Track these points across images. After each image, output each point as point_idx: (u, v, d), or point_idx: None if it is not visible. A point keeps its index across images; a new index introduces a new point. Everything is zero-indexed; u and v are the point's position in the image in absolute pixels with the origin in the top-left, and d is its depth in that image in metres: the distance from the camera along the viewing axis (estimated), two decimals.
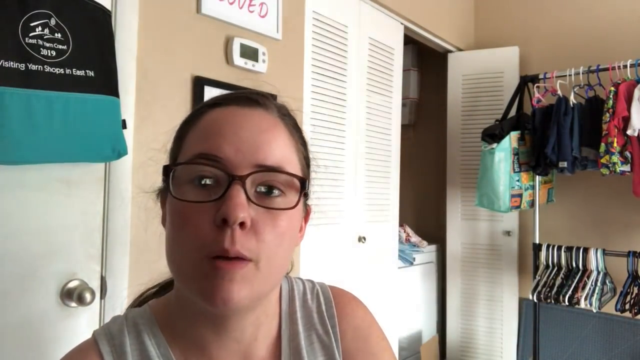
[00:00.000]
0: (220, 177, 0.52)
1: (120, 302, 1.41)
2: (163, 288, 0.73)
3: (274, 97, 0.62)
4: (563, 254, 2.60)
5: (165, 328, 0.59)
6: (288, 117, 0.60)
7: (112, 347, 0.57)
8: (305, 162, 0.61)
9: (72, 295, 1.30)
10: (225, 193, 0.50)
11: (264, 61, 1.83)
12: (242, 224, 0.50)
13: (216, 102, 0.57)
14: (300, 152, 0.59)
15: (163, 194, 0.60)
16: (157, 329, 0.59)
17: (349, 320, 0.67)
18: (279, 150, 0.55)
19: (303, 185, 0.55)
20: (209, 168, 0.52)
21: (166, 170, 0.54)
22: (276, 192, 0.53)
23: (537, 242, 2.76)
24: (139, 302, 0.73)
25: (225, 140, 0.53)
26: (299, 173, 0.57)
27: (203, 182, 0.52)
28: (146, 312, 0.61)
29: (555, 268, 2.62)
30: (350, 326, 0.67)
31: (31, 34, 1.12)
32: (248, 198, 0.51)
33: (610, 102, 2.35)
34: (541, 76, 2.70)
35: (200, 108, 0.59)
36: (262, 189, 0.53)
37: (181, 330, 0.58)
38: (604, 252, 2.51)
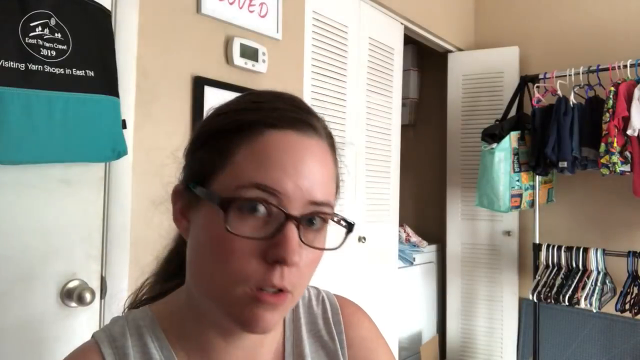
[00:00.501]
0: (273, 212, 0.50)
1: (119, 302, 1.41)
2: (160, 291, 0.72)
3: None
4: (563, 254, 2.60)
5: (168, 330, 0.58)
6: (330, 138, 0.58)
7: (114, 349, 0.57)
8: (339, 179, 0.60)
9: (72, 295, 1.30)
10: (281, 233, 0.49)
11: (264, 61, 1.83)
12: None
13: (272, 123, 0.52)
14: (337, 176, 0.59)
15: (189, 196, 0.56)
16: (159, 331, 0.58)
17: (355, 329, 0.67)
18: (328, 184, 0.54)
19: (350, 228, 0.55)
20: (267, 204, 0.50)
21: (225, 201, 0.50)
22: (317, 224, 0.53)
23: (537, 242, 2.76)
24: (137, 304, 0.72)
25: (285, 174, 0.50)
26: (334, 200, 0.56)
27: (255, 213, 0.50)
28: (148, 314, 0.60)
29: (555, 268, 2.62)
30: (358, 335, 0.67)
31: (31, 34, 1.12)
32: (299, 238, 0.51)
33: (610, 102, 2.35)
34: (541, 76, 2.70)
35: (252, 123, 0.52)
36: (306, 222, 0.53)
37: (187, 334, 0.58)
38: (604, 252, 2.51)
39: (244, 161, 0.51)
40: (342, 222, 0.55)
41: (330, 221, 0.55)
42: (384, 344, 0.69)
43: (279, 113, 0.54)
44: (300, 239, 0.50)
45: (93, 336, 0.60)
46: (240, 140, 0.52)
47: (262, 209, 0.50)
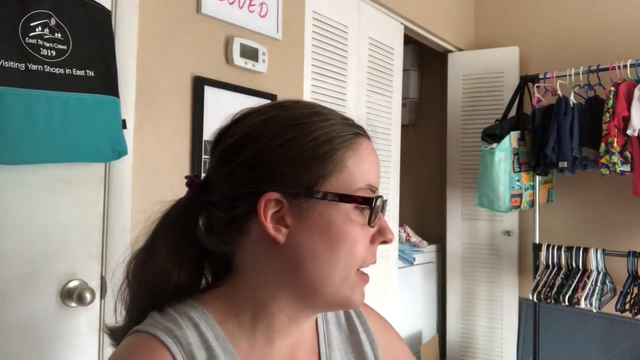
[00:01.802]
0: (381, 205, 0.62)
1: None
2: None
3: None
4: (563, 254, 2.60)
5: (221, 322, 0.61)
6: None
7: (174, 338, 0.56)
8: None
9: (72, 295, 1.30)
10: (381, 221, 0.62)
11: (264, 61, 1.83)
12: None
13: (361, 134, 0.64)
14: None
15: (288, 203, 0.59)
16: (212, 321, 0.60)
17: (373, 318, 0.77)
18: None
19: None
20: (377, 200, 0.61)
21: (374, 200, 0.60)
22: None
23: (537, 242, 2.76)
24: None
25: (376, 173, 0.64)
26: None
27: (372, 208, 0.61)
28: (196, 307, 0.62)
29: (555, 268, 2.62)
30: (377, 324, 0.77)
31: (31, 34, 1.12)
32: None
33: (610, 102, 2.35)
34: (541, 76, 2.70)
35: (354, 135, 0.63)
36: None
37: (243, 325, 0.62)
38: (604, 252, 2.51)
39: (356, 167, 0.61)
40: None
41: None
42: (391, 326, 0.81)
43: (358, 126, 0.65)
44: None
45: (142, 331, 0.58)
46: (347, 149, 0.61)
47: (376, 205, 0.61)
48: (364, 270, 0.63)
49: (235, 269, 0.64)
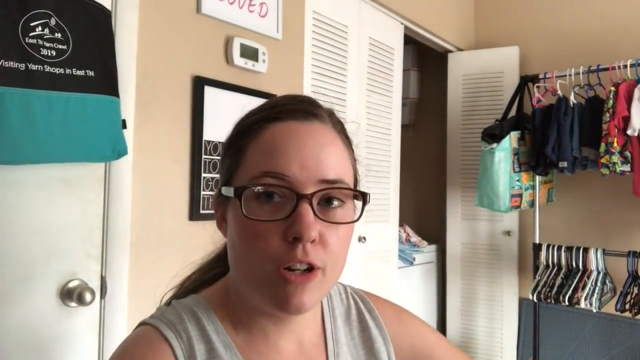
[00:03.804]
0: (287, 194, 0.55)
1: (120, 302, 1.41)
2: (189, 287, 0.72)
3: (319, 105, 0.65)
4: (563, 254, 2.60)
5: (222, 315, 0.61)
6: (339, 124, 0.63)
7: (175, 332, 0.57)
8: (355, 163, 0.64)
9: (72, 295, 1.30)
10: (295, 212, 0.54)
11: (264, 61, 1.83)
12: (312, 240, 0.54)
13: (274, 116, 0.59)
14: (351, 158, 0.63)
15: (223, 200, 0.62)
16: (213, 315, 0.61)
17: (384, 311, 0.74)
18: (339, 163, 0.58)
19: (364, 198, 0.59)
20: (277, 188, 0.55)
21: (237, 190, 0.56)
22: (336, 202, 0.57)
23: (537, 242, 2.76)
24: (179, 294, 0.70)
25: (290, 158, 0.55)
26: (352, 179, 0.61)
27: (270, 199, 0.55)
28: (199, 301, 0.62)
29: (555, 268, 2.62)
30: (388, 315, 0.74)
31: (31, 34, 1.12)
32: (315, 214, 0.55)
33: (610, 102, 2.35)
34: (541, 76, 2.70)
35: (256, 122, 0.59)
36: (324, 201, 0.57)
37: (239, 320, 0.61)
38: (604, 252, 2.51)
39: (253, 155, 0.57)
40: (356, 195, 0.59)
41: (351, 198, 0.59)
42: (406, 311, 0.77)
43: (279, 108, 0.60)
44: (317, 215, 0.55)
45: (147, 323, 0.60)
46: (249, 138, 0.59)
47: (274, 193, 0.55)
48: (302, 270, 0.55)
49: None
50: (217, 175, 1.68)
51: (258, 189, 0.55)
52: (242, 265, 0.58)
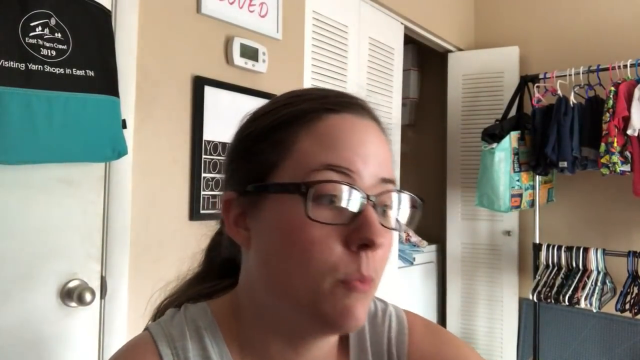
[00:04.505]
0: (348, 193, 0.48)
1: (120, 302, 1.41)
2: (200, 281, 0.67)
3: None
4: (563, 254, 2.60)
5: (229, 336, 0.55)
6: (380, 122, 0.57)
7: (173, 349, 0.53)
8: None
9: (72, 295, 1.30)
10: (361, 215, 0.48)
11: (264, 61, 1.83)
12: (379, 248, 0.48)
13: (329, 108, 0.52)
14: (391, 157, 0.57)
15: (243, 202, 0.53)
16: (219, 336, 0.55)
17: (417, 347, 0.61)
18: (391, 162, 0.54)
19: (421, 203, 0.54)
20: (343, 186, 0.48)
21: (304, 185, 0.47)
22: (389, 203, 0.52)
23: (537, 242, 2.76)
24: (180, 299, 0.64)
25: (354, 152, 0.49)
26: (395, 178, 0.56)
27: (331, 199, 0.48)
28: (207, 314, 0.56)
29: (555, 268, 2.62)
30: (420, 342, 0.61)
31: (31, 34, 1.12)
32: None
33: (611, 102, 2.35)
34: (541, 76, 2.70)
35: (307, 112, 0.52)
36: (381, 207, 0.51)
37: (250, 342, 0.55)
38: (604, 252, 2.51)
39: (309, 147, 0.49)
40: (412, 199, 0.53)
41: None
42: (449, 343, 0.62)
43: (332, 99, 0.54)
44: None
45: (149, 331, 0.55)
46: (300, 127, 0.51)
47: (337, 191, 0.48)
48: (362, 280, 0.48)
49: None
50: (218, 175, 1.67)
51: (323, 185, 0.47)
52: (288, 278, 0.49)
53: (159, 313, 0.65)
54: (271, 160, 0.51)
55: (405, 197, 0.53)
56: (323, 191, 0.48)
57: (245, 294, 0.56)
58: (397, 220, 0.53)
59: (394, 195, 0.52)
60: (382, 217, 0.50)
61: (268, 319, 0.54)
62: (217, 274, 0.65)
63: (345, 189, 0.48)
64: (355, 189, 0.48)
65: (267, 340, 0.54)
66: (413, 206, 0.54)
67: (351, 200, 0.48)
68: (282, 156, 0.50)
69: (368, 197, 0.48)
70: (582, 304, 2.44)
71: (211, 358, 0.53)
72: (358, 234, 0.47)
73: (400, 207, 0.53)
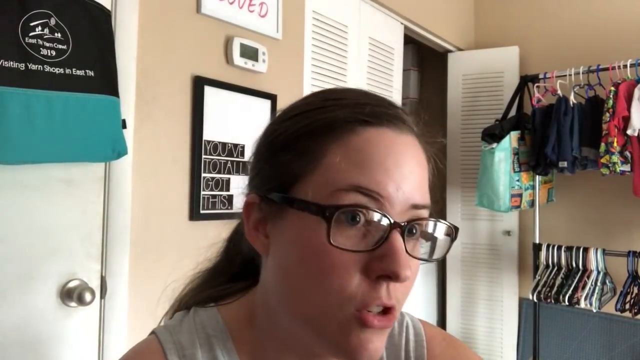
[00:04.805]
0: (375, 218, 0.45)
1: (120, 302, 1.41)
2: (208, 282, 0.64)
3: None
4: (563, 253, 2.60)
5: (240, 346, 0.52)
6: (422, 136, 0.53)
7: (182, 358, 0.51)
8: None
9: (72, 295, 1.30)
10: (386, 243, 0.44)
11: (264, 61, 1.83)
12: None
13: (365, 120, 0.47)
14: (429, 176, 0.53)
15: (266, 208, 0.50)
16: (231, 345, 0.52)
17: (435, 355, 0.59)
18: (426, 186, 0.50)
19: (456, 234, 0.50)
20: (369, 211, 0.44)
21: (328, 209, 0.44)
22: (418, 230, 0.48)
23: (537, 242, 2.76)
24: (191, 301, 0.61)
25: (387, 175, 0.45)
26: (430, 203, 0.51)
27: (356, 221, 0.44)
28: (219, 322, 0.54)
29: (555, 268, 2.62)
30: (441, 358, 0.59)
31: (31, 34, 1.12)
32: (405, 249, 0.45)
33: (610, 102, 2.35)
34: (541, 76, 2.70)
35: (343, 122, 0.47)
36: (409, 234, 0.47)
37: (264, 354, 0.53)
38: (604, 252, 2.51)
39: (339, 163, 0.45)
40: (447, 227, 0.49)
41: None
42: (466, 351, 0.62)
43: (370, 109, 0.48)
44: (405, 249, 0.45)
45: (157, 337, 0.53)
46: (332, 139, 0.46)
47: (363, 217, 0.44)
48: (375, 311, 0.45)
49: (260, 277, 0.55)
50: (218, 175, 1.68)
51: (349, 210, 0.44)
52: (303, 300, 0.46)
53: (180, 307, 0.61)
54: (297, 170, 0.47)
55: (439, 226, 0.49)
56: (344, 215, 0.44)
57: (261, 302, 0.53)
58: (432, 250, 0.49)
59: (427, 224, 0.48)
60: (411, 245, 0.46)
61: (282, 333, 0.51)
62: (234, 270, 0.62)
63: (371, 214, 0.44)
64: (384, 215, 0.44)
65: (280, 354, 0.52)
66: (447, 234, 0.50)
67: (377, 226, 0.45)
68: (309, 168, 0.46)
69: (396, 224, 0.44)
70: (582, 304, 2.44)
71: None
72: (381, 264, 0.44)
73: (433, 235, 0.49)
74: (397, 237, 0.44)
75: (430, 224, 0.49)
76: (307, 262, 0.45)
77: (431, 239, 0.49)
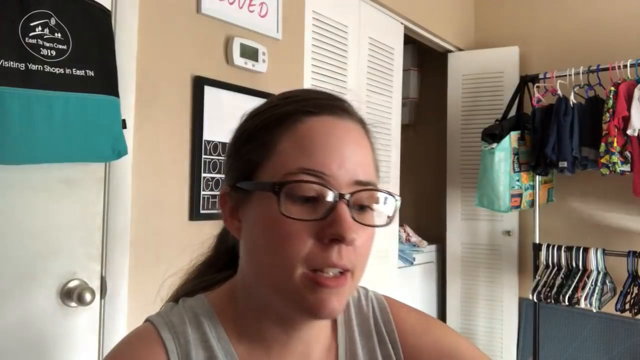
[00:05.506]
0: (324, 193, 0.52)
1: (120, 302, 1.41)
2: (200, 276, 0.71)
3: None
4: (563, 253, 2.60)
5: (225, 322, 0.59)
6: (366, 125, 0.61)
7: (174, 334, 0.56)
8: (377, 167, 0.62)
9: (72, 295, 1.30)
10: (333, 212, 0.51)
11: (264, 61, 1.83)
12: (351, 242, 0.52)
13: (309, 110, 0.55)
14: (375, 161, 0.61)
15: (237, 196, 0.58)
16: (217, 321, 0.59)
17: (404, 322, 0.67)
18: (369, 166, 0.57)
19: (398, 202, 0.57)
20: (316, 186, 0.52)
21: (277, 185, 0.52)
22: (366, 202, 0.55)
23: (537, 242, 2.76)
24: (181, 293, 0.68)
25: (329, 155, 0.53)
26: (376, 180, 0.58)
27: (305, 196, 0.52)
28: (204, 303, 0.60)
29: (555, 268, 2.62)
30: (408, 326, 0.67)
31: (31, 34, 1.12)
32: (351, 217, 0.52)
33: (610, 102, 2.35)
34: (541, 76, 2.70)
35: (290, 114, 0.56)
36: (357, 205, 0.54)
37: (245, 326, 0.59)
38: (604, 252, 2.51)
39: (288, 149, 0.54)
40: (388, 198, 0.57)
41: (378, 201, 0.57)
42: (435, 321, 0.70)
43: (313, 102, 0.57)
44: (352, 218, 0.52)
45: (149, 320, 0.59)
46: (282, 130, 0.55)
47: (311, 191, 0.52)
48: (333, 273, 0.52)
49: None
50: (218, 175, 1.68)
51: (298, 185, 0.52)
52: (267, 268, 0.54)
53: (172, 297, 0.68)
54: (257, 159, 0.56)
55: (384, 196, 0.56)
56: (296, 190, 0.52)
57: (240, 280, 0.60)
58: (388, 217, 0.57)
59: (371, 195, 0.55)
60: (358, 215, 0.54)
61: (258, 304, 0.58)
62: (223, 262, 0.69)
63: (317, 188, 0.52)
64: (328, 187, 0.52)
65: (260, 323, 0.58)
66: (391, 203, 0.57)
67: (324, 198, 0.52)
68: (266, 156, 0.55)
69: (341, 195, 0.52)
70: (582, 304, 2.44)
71: (210, 341, 0.57)
72: (330, 229, 0.51)
73: (381, 205, 0.56)
74: (342, 207, 0.52)
75: (379, 198, 0.56)
76: (267, 233, 0.53)
77: (378, 209, 0.56)
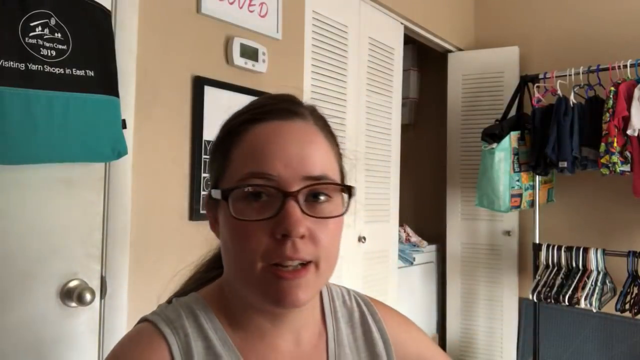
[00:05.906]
0: (273, 193, 0.56)
1: (120, 302, 1.41)
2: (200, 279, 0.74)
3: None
4: (563, 254, 2.60)
5: (219, 314, 0.62)
6: (320, 120, 0.64)
7: (173, 328, 0.59)
8: (340, 158, 0.65)
9: (72, 295, 1.30)
10: (282, 209, 0.55)
11: (264, 61, 1.83)
12: (301, 236, 0.55)
13: (256, 118, 0.60)
14: (335, 152, 0.63)
15: (213, 203, 0.62)
16: (212, 313, 0.62)
17: (390, 317, 0.74)
18: (322, 159, 0.59)
19: (350, 191, 0.60)
20: (263, 187, 0.56)
21: (224, 192, 0.57)
22: (323, 197, 0.58)
23: (537, 242, 2.75)
24: (180, 293, 0.73)
25: (274, 157, 0.56)
26: (338, 174, 0.62)
27: (258, 199, 0.56)
28: (198, 299, 0.64)
29: (555, 268, 2.62)
30: (395, 321, 0.74)
31: (31, 34, 1.12)
32: (302, 211, 0.55)
33: (610, 102, 2.35)
34: (541, 76, 2.70)
35: (240, 124, 0.60)
36: (311, 197, 0.57)
37: (236, 317, 0.62)
38: (604, 252, 2.51)
39: (238, 157, 0.59)
40: (343, 188, 0.60)
41: (339, 192, 0.60)
42: (414, 324, 0.79)
43: (260, 109, 0.61)
44: (304, 212, 0.55)
45: (146, 319, 0.62)
46: (235, 141, 0.60)
47: (261, 192, 0.56)
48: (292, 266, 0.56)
49: None
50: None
51: (247, 189, 0.56)
52: (235, 265, 0.58)
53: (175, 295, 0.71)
54: (219, 169, 0.61)
55: (334, 188, 0.59)
56: (245, 194, 0.56)
57: (225, 277, 0.65)
58: (346, 207, 0.60)
59: (326, 186, 0.58)
60: (312, 208, 0.57)
61: (241, 297, 0.61)
62: (218, 263, 0.71)
63: (264, 189, 0.56)
64: (273, 187, 0.56)
65: (247, 314, 0.62)
66: (348, 194, 0.60)
67: (274, 199, 0.56)
68: (225, 166, 0.60)
69: (286, 193, 0.55)
70: (582, 304, 2.44)
71: (207, 333, 0.60)
72: (279, 226, 0.54)
73: (339, 194, 0.60)
74: (290, 204, 0.55)
75: (336, 188, 0.59)
76: (231, 234, 0.58)
77: (337, 199, 0.60)
